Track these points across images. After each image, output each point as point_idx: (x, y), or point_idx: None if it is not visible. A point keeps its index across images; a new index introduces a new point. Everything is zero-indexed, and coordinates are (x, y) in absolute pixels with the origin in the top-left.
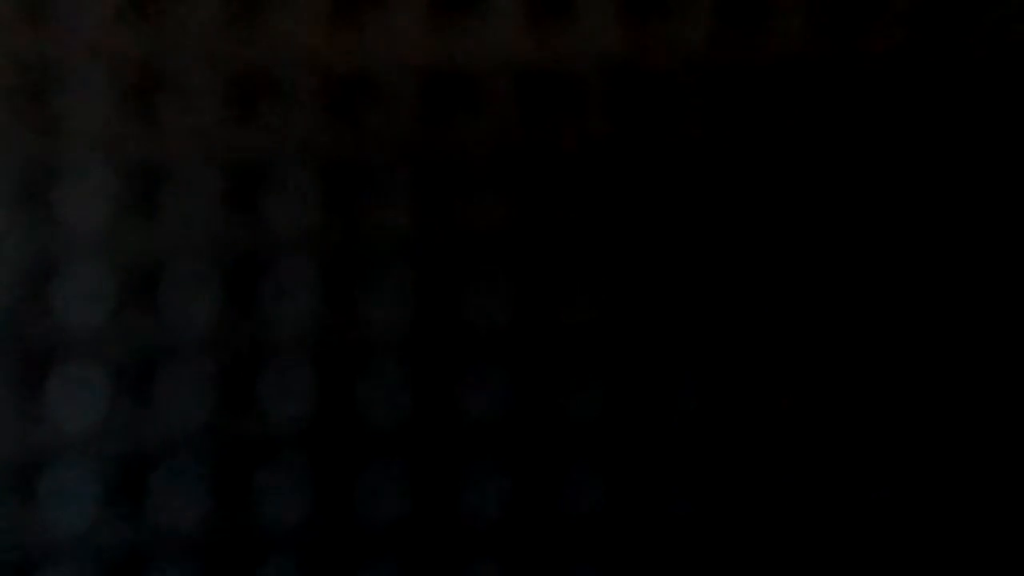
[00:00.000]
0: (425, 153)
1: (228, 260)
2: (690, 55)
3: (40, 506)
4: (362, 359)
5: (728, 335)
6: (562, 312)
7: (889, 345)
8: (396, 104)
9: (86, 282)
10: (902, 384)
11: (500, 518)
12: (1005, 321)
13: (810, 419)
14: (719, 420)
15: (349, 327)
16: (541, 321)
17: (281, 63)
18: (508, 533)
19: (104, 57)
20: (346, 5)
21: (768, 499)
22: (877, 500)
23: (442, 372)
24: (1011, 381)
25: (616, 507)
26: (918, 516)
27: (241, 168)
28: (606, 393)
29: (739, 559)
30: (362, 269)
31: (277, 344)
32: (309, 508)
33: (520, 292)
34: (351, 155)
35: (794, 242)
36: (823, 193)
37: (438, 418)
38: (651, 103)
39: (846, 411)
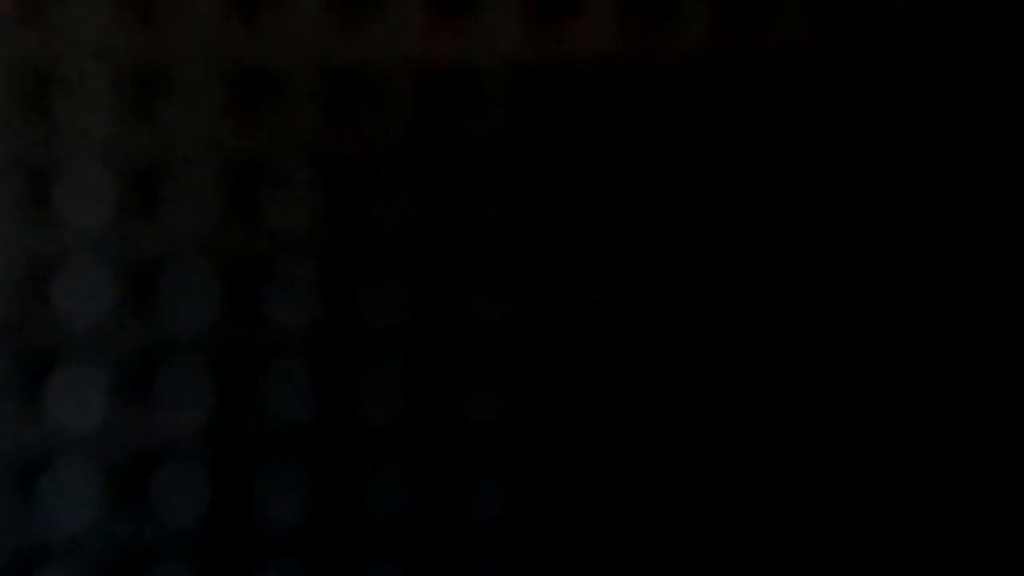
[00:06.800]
0: (425, 152)
1: (228, 260)
2: (690, 55)
3: (40, 506)
4: (362, 359)
5: (729, 335)
6: (562, 312)
7: (889, 345)
8: (396, 103)
9: (86, 282)
10: (902, 384)
11: (500, 518)
12: (1005, 321)
13: (810, 419)
14: (719, 420)
15: (349, 327)
16: (541, 321)
17: (281, 63)
18: (508, 533)
19: (104, 57)
20: (346, 5)
21: (768, 499)
22: (877, 500)
23: (442, 372)
24: (1011, 381)
25: (616, 507)
26: (918, 516)
27: (241, 168)
28: (606, 393)
29: (739, 559)
30: (362, 269)
31: (277, 344)
32: (309, 508)
33: (520, 291)
34: (351, 154)
35: (797, 241)
36: (826, 192)
37: (438, 418)
38: (651, 102)
39: (846, 411)
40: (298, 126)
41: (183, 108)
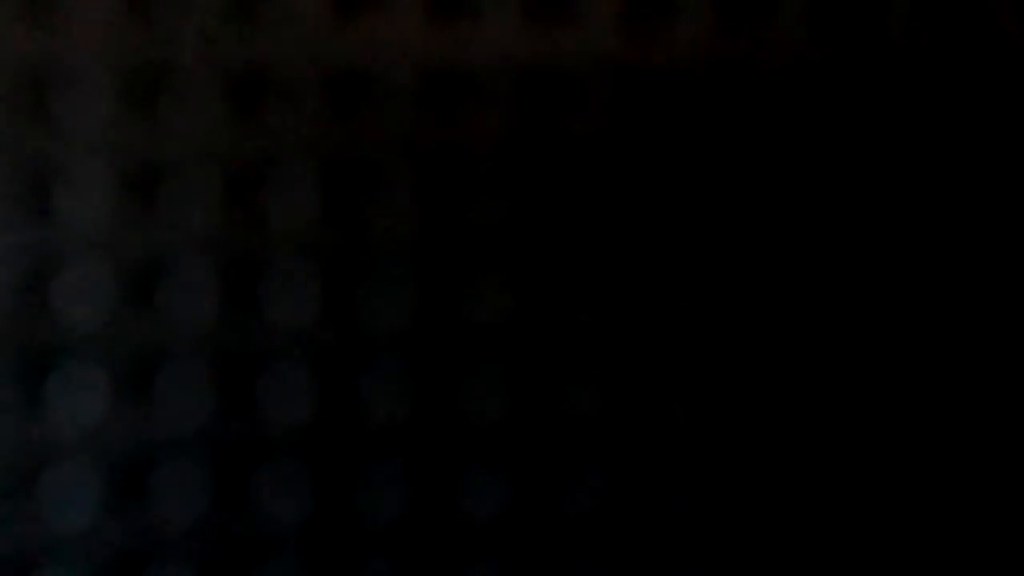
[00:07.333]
0: (425, 152)
1: (228, 260)
2: (690, 55)
3: (40, 506)
4: (362, 359)
5: (728, 335)
6: (563, 312)
7: (889, 345)
8: (396, 103)
9: (86, 282)
10: (902, 384)
11: (500, 518)
12: (1005, 321)
13: (810, 419)
14: (720, 420)
15: (349, 327)
16: (541, 321)
17: (281, 62)
18: (508, 533)
19: (104, 57)
20: (345, 5)
21: (768, 499)
22: (877, 500)
23: (442, 372)
24: (1011, 381)
25: (616, 506)
26: (918, 516)
27: (241, 168)
28: (606, 393)
29: (739, 559)
30: (362, 269)
31: (277, 344)
32: (309, 508)
33: (520, 291)
34: (351, 154)
35: (797, 242)
36: (826, 194)
37: (438, 418)
38: (650, 103)
39: (846, 411)
40: (298, 126)
41: (183, 108)
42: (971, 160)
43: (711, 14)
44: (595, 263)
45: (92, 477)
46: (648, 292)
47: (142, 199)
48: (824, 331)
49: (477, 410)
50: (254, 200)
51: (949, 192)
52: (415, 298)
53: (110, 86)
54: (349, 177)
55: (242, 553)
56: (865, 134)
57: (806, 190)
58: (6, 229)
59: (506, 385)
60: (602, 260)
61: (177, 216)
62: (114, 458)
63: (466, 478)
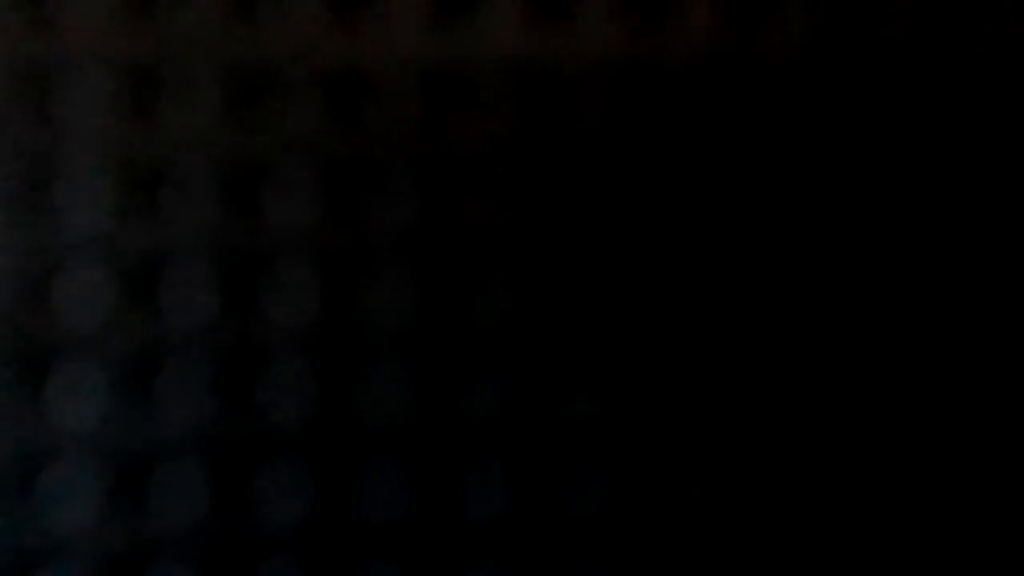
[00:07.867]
0: (425, 152)
1: (228, 260)
2: (690, 55)
3: (40, 506)
4: (362, 359)
5: (729, 335)
6: (563, 311)
7: (889, 346)
8: (396, 103)
9: (86, 282)
10: (902, 385)
11: (500, 517)
12: (1005, 321)
13: (810, 419)
14: (720, 420)
15: (349, 327)
16: (541, 321)
17: (281, 62)
18: (508, 533)
19: (105, 57)
20: (346, 5)
21: (768, 499)
22: (877, 500)
23: (442, 371)
24: (1011, 381)
25: (616, 507)
26: (918, 516)
27: (241, 168)
28: (607, 393)
29: (739, 559)
30: (362, 269)
31: (277, 344)
32: (309, 508)
33: (520, 291)
34: (351, 154)
35: (797, 241)
36: (826, 192)
37: (438, 418)
38: (651, 102)
39: (846, 412)
40: (298, 126)
41: (183, 108)
42: (971, 157)
43: (712, 14)
44: (596, 263)
45: (92, 477)
46: (649, 292)
47: (142, 198)
48: (824, 331)
49: (477, 410)
50: (254, 199)
51: (950, 190)
52: (415, 298)
53: (110, 86)
54: (349, 177)
55: (242, 553)
56: (866, 133)
57: (808, 190)
58: (6, 229)
59: (506, 385)
60: (603, 260)
61: (177, 215)
62: (114, 458)
63: (466, 478)
